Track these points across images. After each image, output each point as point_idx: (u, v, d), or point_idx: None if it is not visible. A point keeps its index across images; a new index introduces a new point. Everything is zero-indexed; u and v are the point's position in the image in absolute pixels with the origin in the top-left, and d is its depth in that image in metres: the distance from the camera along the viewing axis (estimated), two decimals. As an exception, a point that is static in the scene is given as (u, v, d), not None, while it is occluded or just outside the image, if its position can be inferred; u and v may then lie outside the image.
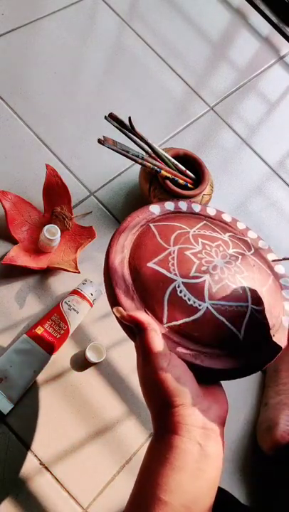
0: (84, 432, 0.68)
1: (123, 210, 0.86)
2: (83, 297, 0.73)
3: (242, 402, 0.77)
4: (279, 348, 0.50)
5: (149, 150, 0.77)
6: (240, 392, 0.78)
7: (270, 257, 0.58)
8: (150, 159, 0.77)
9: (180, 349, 0.45)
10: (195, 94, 1.05)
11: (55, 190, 0.78)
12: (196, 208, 0.59)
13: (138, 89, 0.99)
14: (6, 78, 0.91)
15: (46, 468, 0.65)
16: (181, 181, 0.79)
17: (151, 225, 0.53)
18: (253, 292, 0.50)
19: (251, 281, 0.51)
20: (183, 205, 0.59)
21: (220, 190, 0.94)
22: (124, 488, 0.66)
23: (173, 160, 0.79)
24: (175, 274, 0.47)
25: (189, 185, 0.80)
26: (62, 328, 0.70)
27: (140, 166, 0.80)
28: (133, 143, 0.76)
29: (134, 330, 0.44)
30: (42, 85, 0.92)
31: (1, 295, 0.73)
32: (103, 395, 0.71)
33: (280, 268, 0.58)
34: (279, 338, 0.50)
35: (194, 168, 0.82)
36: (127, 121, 0.74)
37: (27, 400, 0.68)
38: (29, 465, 0.64)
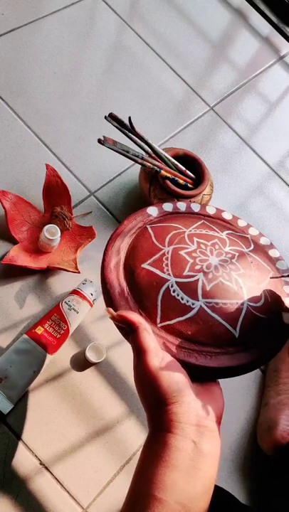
0: (84, 431, 0.68)
1: (123, 210, 0.86)
2: (83, 297, 0.73)
3: (242, 402, 0.77)
4: (278, 345, 0.50)
5: (149, 150, 0.77)
6: (240, 392, 0.78)
7: (273, 253, 0.58)
8: (150, 159, 0.77)
9: (174, 348, 0.45)
10: (195, 94, 1.05)
11: (55, 190, 0.78)
12: (196, 207, 0.59)
13: (138, 89, 0.99)
14: (6, 78, 0.91)
15: (46, 468, 0.65)
16: (181, 181, 0.79)
17: (148, 226, 0.53)
18: (250, 289, 0.50)
19: (248, 279, 0.51)
20: (182, 205, 0.59)
21: (220, 190, 0.94)
22: (124, 488, 0.66)
23: (173, 160, 0.79)
24: (168, 274, 0.48)
25: (189, 185, 0.80)
26: (62, 328, 0.70)
27: (140, 166, 0.80)
28: (133, 143, 0.76)
29: (127, 330, 0.44)
30: (42, 85, 0.92)
31: (1, 295, 0.73)
32: (103, 394, 0.71)
33: (274, 252, 0.58)
34: (279, 335, 0.50)
35: (194, 168, 0.82)
36: (127, 121, 0.74)
37: (27, 400, 0.68)
38: (29, 465, 0.64)
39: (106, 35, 1.04)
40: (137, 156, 0.75)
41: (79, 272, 0.73)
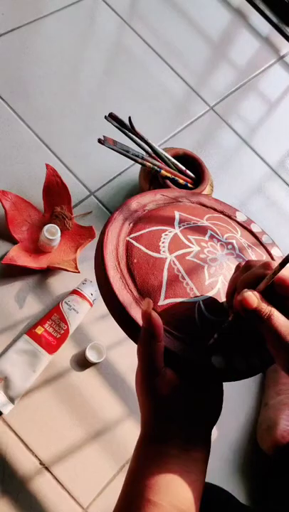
0: (84, 431, 0.68)
1: (123, 210, 0.85)
2: (83, 297, 0.73)
3: (242, 402, 0.77)
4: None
5: (149, 150, 0.77)
6: (240, 392, 0.78)
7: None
8: (150, 159, 0.77)
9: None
10: (195, 94, 1.05)
11: (55, 190, 0.78)
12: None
13: (138, 89, 0.99)
14: (6, 78, 0.91)
15: (46, 468, 0.65)
16: (181, 181, 0.79)
17: (129, 239, 0.49)
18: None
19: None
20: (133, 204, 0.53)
21: (220, 190, 0.94)
22: (124, 488, 0.66)
23: (173, 160, 0.79)
24: (195, 296, 0.46)
25: (189, 184, 0.80)
26: (63, 328, 0.70)
27: (140, 165, 0.80)
28: (133, 143, 0.76)
29: (142, 330, 0.42)
30: (42, 85, 0.92)
31: (1, 295, 0.73)
32: (103, 394, 0.71)
33: (256, 227, 0.57)
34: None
35: (194, 167, 0.82)
36: (127, 121, 0.74)
37: (27, 400, 0.67)
38: (29, 465, 0.64)
39: (106, 35, 1.04)
40: (137, 156, 0.75)
41: (79, 272, 0.73)
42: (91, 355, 0.71)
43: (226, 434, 0.74)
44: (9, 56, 0.93)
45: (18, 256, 0.73)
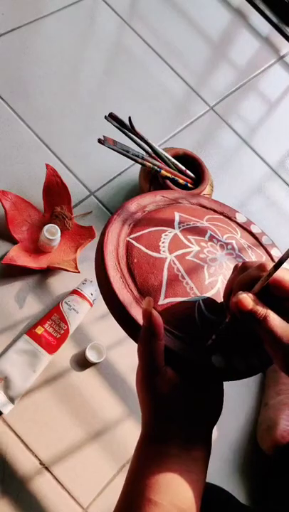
0: (84, 431, 0.68)
1: (123, 210, 0.86)
2: (83, 297, 0.73)
3: (242, 402, 0.77)
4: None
5: (149, 150, 0.77)
6: (240, 392, 0.78)
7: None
8: (150, 159, 0.77)
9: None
10: (195, 94, 1.05)
11: (55, 190, 0.78)
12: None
13: (138, 89, 0.99)
14: (6, 78, 0.91)
15: (46, 468, 0.65)
16: (181, 181, 0.79)
17: (129, 239, 0.49)
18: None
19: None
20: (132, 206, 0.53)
21: (220, 190, 0.94)
22: (124, 488, 0.66)
23: (173, 160, 0.79)
24: (195, 296, 0.46)
25: (189, 184, 0.80)
26: (63, 328, 0.70)
27: (140, 165, 0.80)
28: (133, 143, 0.76)
29: (142, 329, 0.42)
30: (42, 85, 0.92)
31: (1, 295, 0.73)
32: (103, 394, 0.71)
33: (256, 228, 0.57)
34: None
35: (194, 167, 0.82)
36: (127, 121, 0.74)
37: (27, 400, 0.67)
38: (29, 465, 0.64)
39: (106, 35, 1.04)
40: (137, 156, 0.75)
41: (79, 272, 0.73)
42: (91, 355, 0.71)
43: (226, 434, 0.74)
44: (9, 56, 0.93)
45: (18, 256, 0.73)
